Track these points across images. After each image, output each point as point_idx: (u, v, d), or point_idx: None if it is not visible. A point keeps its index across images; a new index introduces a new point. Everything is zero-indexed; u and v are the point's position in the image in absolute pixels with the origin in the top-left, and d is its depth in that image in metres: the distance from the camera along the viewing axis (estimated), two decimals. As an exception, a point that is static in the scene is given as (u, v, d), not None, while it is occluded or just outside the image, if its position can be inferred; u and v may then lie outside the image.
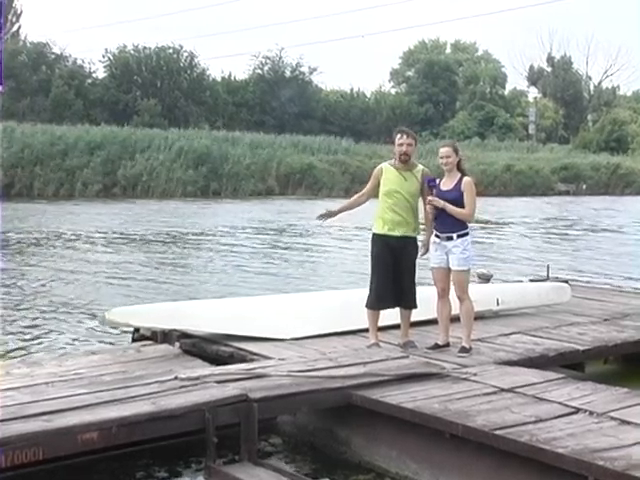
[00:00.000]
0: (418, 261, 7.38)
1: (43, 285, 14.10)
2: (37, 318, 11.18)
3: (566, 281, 10.37)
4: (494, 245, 21.32)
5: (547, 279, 10.73)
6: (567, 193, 49.42)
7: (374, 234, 7.35)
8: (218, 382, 5.76)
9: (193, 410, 5.25)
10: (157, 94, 57.69)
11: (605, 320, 8.74)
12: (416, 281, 7.41)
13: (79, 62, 57.92)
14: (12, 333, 10.19)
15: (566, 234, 25.51)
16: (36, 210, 30.75)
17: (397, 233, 7.21)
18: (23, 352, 9.11)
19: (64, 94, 53.92)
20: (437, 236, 7.14)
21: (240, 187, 43.02)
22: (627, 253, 19.82)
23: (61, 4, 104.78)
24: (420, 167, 7.39)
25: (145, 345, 7.68)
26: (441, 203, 6.99)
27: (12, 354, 8.96)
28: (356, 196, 7.57)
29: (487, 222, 27.03)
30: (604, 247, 21.37)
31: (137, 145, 43.29)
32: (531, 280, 10.93)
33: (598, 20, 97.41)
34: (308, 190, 44.08)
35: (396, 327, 7.54)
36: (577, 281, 12.30)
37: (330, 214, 7.53)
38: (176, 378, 5.81)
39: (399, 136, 7.33)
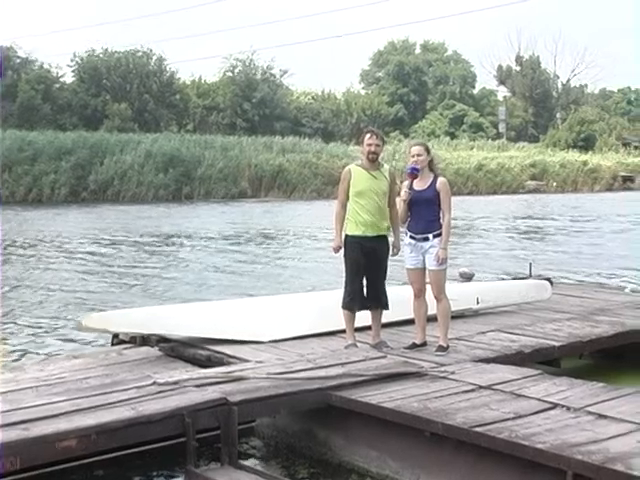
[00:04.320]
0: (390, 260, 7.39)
1: (19, 290, 14.02)
2: (15, 323, 11.13)
3: (548, 278, 10.42)
4: (476, 244, 21.43)
5: (529, 277, 10.78)
6: (537, 191, 49.88)
7: (347, 235, 7.32)
8: (197, 386, 5.74)
9: (172, 415, 5.22)
10: (127, 98, 57.39)
11: (582, 316, 8.81)
12: (387, 281, 7.42)
13: (46, 66, 57.47)
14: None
15: (547, 231, 25.68)
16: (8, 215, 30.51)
17: (370, 234, 7.22)
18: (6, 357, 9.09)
19: (31, 99, 53.43)
20: (412, 237, 7.16)
21: (213, 190, 42.92)
22: (609, 249, 19.93)
23: (27, 9, 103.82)
24: (386, 166, 7.44)
25: (127, 348, 7.70)
26: (444, 255, 7.00)
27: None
28: (338, 210, 7.35)
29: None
30: (586, 244, 21.45)
31: (107, 149, 43.07)
32: (513, 278, 10.98)
33: (565, 20, 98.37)
34: (280, 192, 44.10)
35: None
36: (561, 278, 12.38)
37: (339, 245, 7.33)
38: (155, 383, 5.78)
39: (368, 136, 7.34)
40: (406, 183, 7.15)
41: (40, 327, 10.96)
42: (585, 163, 54.68)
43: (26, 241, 22.44)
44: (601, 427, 5.04)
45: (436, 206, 7.11)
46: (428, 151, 7.20)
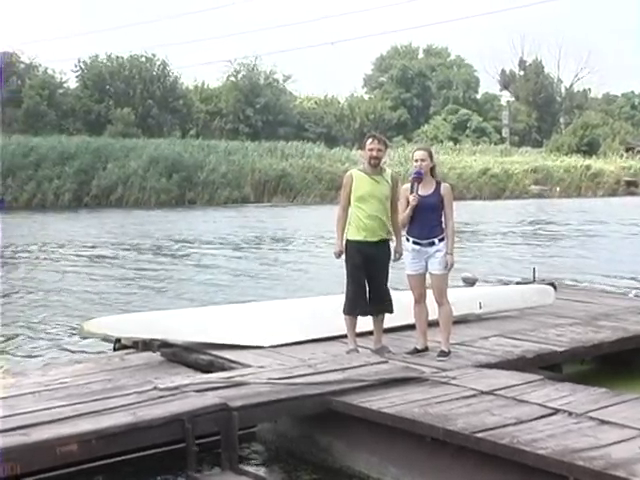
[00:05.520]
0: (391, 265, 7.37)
1: (23, 297, 14.05)
2: (21, 329, 11.16)
3: (552, 283, 10.38)
4: (481, 248, 21.39)
5: (533, 281, 10.73)
6: (541, 196, 49.82)
7: (349, 240, 7.27)
8: (197, 391, 5.72)
9: (173, 420, 5.21)
10: (130, 103, 57.49)
11: (585, 321, 8.77)
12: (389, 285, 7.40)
13: (50, 72, 57.62)
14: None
15: (552, 236, 25.56)
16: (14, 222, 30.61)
17: (372, 239, 7.19)
18: (8, 362, 9.10)
19: (36, 105, 53.55)
20: (416, 242, 7.13)
21: (216, 195, 42.95)
22: (615, 254, 19.81)
23: (30, 14, 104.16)
24: (389, 171, 7.42)
25: (129, 353, 7.72)
26: (452, 260, 7.06)
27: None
28: (339, 215, 7.32)
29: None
30: (592, 249, 21.35)
31: (110, 155, 43.16)
32: (517, 283, 10.93)
33: (568, 24, 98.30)
34: (284, 197, 44.11)
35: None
36: (566, 283, 12.33)
37: (341, 249, 7.29)
38: (155, 388, 5.77)
39: (370, 141, 7.32)
40: (407, 186, 7.14)
41: (46, 331, 11.00)
42: (588, 168, 54.63)
43: (42, 245, 22.58)
44: (603, 433, 5.00)
45: (440, 211, 7.11)
46: (431, 156, 7.20)
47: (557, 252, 20.70)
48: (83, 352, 9.36)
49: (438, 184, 7.15)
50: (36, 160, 41.95)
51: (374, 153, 7.22)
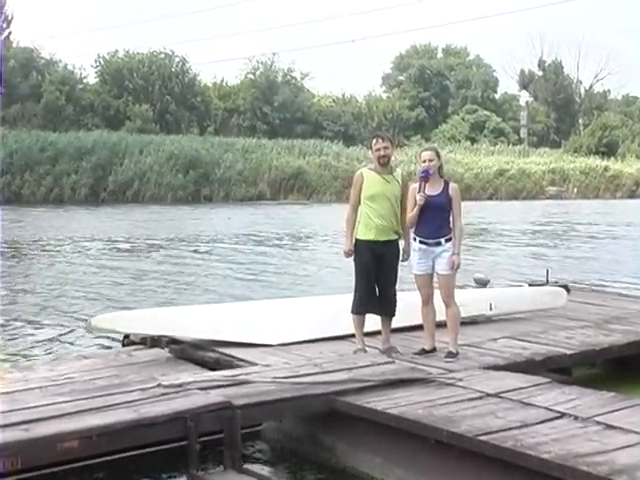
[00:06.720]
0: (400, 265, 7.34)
1: (35, 291, 14.10)
2: (30, 323, 11.21)
3: (565, 285, 10.30)
4: (496, 249, 21.27)
5: (546, 283, 10.66)
6: (558, 197, 49.55)
7: (358, 240, 7.23)
8: (201, 389, 5.71)
9: (175, 418, 5.19)
10: (149, 99, 57.63)
11: (596, 324, 8.69)
12: (397, 285, 7.36)
13: (69, 67, 57.87)
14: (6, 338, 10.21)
15: (570, 237, 25.36)
16: (29, 216, 30.79)
17: (381, 238, 7.16)
18: (16, 357, 9.14)
19: (55, 100, 53.78)
20: (423, 242, 7.09)
21: (231, 192, 43.00)
22: (633, 256, 19.64)
23: (50, 10, 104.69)
24: (399, 171, 7.40)
25: (137, 349, 7.73)
26: (458, 261, 7.01)
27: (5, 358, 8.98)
28: (349, 215, 7.29)
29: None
30: (610, 250, 21.17)
31: (127, 150, 43.32)
32: (530, 284, 10.87)
33: (589, 25, 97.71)
34: (300, 195, 44.11)
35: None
36: (582, 285, 12.22)
37: (350, 249, 7.26)
38: (159, 385, 5.76)
39: (375, 141, 7.29)
40: (415, 186, 7.10)
41: (58, 326, 11.02)
42: (607, 169, 54.25)
43: (61, 239, 22.86)
44: (608, 438, 4.95)
45: (447, 211, 7.08)
46: (438, 156, 7.18)
47: (572, 254, 20.54)
48: (94, 347, 9.41)
49: (446, 184, 7.13)
50: (54, 155, 42.19)
51: (382, 152, 7.19)
